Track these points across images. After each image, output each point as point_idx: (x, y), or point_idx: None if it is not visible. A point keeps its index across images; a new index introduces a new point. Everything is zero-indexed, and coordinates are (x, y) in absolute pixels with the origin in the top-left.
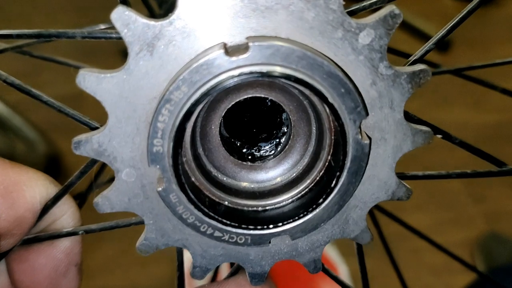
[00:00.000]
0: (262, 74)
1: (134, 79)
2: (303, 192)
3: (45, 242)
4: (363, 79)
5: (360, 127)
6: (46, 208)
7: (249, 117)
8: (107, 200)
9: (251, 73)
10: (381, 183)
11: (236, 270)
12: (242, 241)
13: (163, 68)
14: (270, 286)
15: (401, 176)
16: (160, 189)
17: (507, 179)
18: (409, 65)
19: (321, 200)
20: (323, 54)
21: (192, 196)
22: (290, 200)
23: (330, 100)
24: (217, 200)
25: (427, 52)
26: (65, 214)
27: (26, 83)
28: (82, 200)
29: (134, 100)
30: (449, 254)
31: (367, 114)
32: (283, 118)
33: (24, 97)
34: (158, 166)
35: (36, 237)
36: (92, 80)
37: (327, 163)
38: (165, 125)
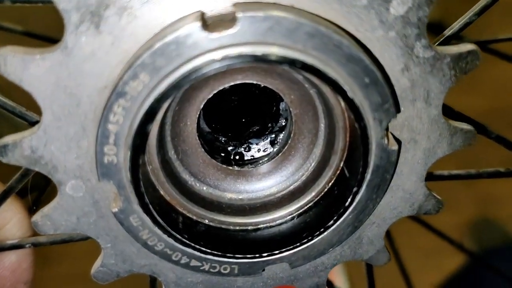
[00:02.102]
0: (256, 59)
1: (75, 62)
2: (306, 207)
3: None
4: (392, 64)
5: (387, 129)
6: None
7: (236, 104)
8: (48, 220)
9: (239, 56)
10: (405, 195)
11: None
12: (227, 271)
13: (115, 48)
14: None
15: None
16: (115, 210)
17: (500, 165)
18: (440, 44)
19: (331, 222)
20: (341, 29)
21: (160, 219)
22: (289, 217)
23: (350, 94)
24: (194, 218)
25: (466, 25)
26: (9, 223)
27: None
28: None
29: (77, 91)
30: (442, 236)
31: (397, 111)
32: (280, 108)
33: None
34: (111, 182)
35: None
36: (16, 64)
37: (338, 172)
38: (118, 128)
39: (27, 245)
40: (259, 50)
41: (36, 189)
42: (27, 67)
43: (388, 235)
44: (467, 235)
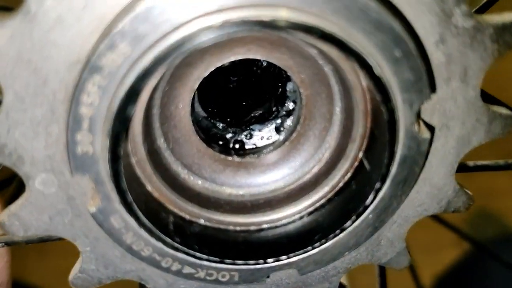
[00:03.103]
0: (263, 25)
1: (40, 29)
2: (318, 204)
3: None
4: (426, 34)
5: (419, 113)
6: None
7: (236, 84)
8: (16, 219)
9: (243, 22)
10: (433, 190)
11: None
12: (226, 278)
13: (87, 12)
14: None
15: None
16: (93, 209)
17: (497, 157)
18: (478, 11)
19: (348, 222)
20: None
21: (146, 220)
22: (298, 216)
23: (377, 70)
24: (187, 218)
25: None
26: None
27: None
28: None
29: (43, 66)
30: (446, 224)
31: (432, 92)
32: (287, 89)
33: None
34: (87, 176)
35: None
36: None
37: (357, 163)
38: (94, 111)
39: (0, 245)
40: (266, 14)
41: (12, 182)
42: None
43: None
44: (466, 227)
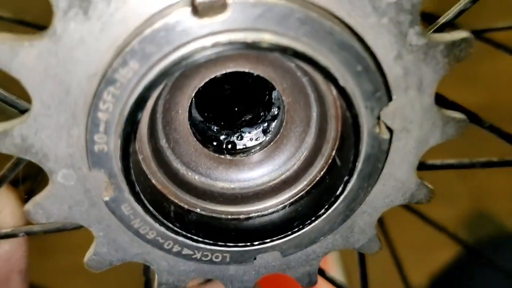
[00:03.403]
0: (247, 46)
1: (64, 49)
2: (298, 196)
3: None
4: (385, 51)
5: (378, 118)
6: None
7: (228, 92)
8: (40, 208)
9: (230, 43)
10: (397, 184)
11: None
12: (219, 259)
13: (104, 34)
14: None
15: (418, 166)
16: (107, 198)
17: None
18: (436, 31)
19: (322, 211)
20: (333, 15)
21: (151, 208)
22: (281, 206)
23: (342, 82)
24: (186, 207)
25: (461, 12)
26: (2, 212)
27: None
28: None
29: (66, 78)
30: (437, 227)
31: (389, 100)
32: (273, 97)
33: None
34: (102, 170)
35: None
36: (4, 51)
37: (330, 160)
38: (108, 116)
39: (21, 234)
40: (250, 37)
41: (29, 179)
42: (16, 55)
43: (382, 228)
44: (461, 228)
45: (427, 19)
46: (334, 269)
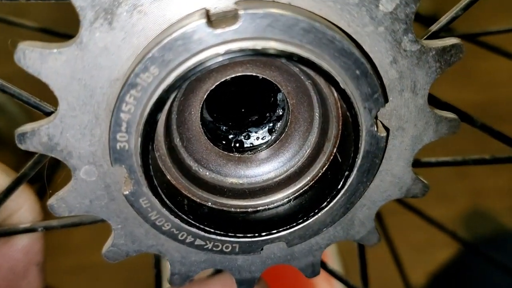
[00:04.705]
0: (256, 52)
1: (89, 56)
2: (302, 191)
3: (0, 240)
4: (382, 57)
5: (376, 117)
6: None
7: (236, 95)
8: (63, 202)
9: (241, 50)
10: (394, 179)
11: None
12: (229, 249)
13: (126, 43)
14: (262, 287)
15: (413, 164)
16: (127, 192)
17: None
18: (428, 38)
19: (324, 203)
20: (334, 25)
21: (167, 201)
22: (286, 200)
23: (342, 85)
24: (198, 201)
25: (453, 19)
26: (22, 208)
27: None
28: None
29: (91, 83)
30: (436, 225)
31: (386, 101)
32: (278, 98)
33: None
34: (123, 166)
35: None
36: (34, 57)
37: (332, 157)
38: (130, 116)
39: (40, 229)
40: (259, 44)
41: (42, 178)
42: (45, 61)
43: (382, 227)
44: (460, 226)
45: (427, 22)
46: (333, 266)
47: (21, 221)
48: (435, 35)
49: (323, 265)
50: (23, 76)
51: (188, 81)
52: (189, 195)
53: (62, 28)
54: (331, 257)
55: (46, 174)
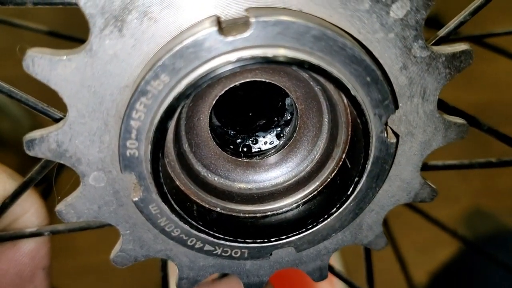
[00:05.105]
0: (267, 60)
1: (99, 63)
2: (310, 196)
3: (6, 244)
4: (391, 63)
5: (386, 124)
6: (4, 206)
7: (244, 99)
8: (72, 208)
9: (252, 58)
10: (403, 184)
11: None
12: (238, 254)
13: (136, 50)
14: None
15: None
16: (136, 199)
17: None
18: (436, 42)
19: (334, 209)
20: (345, 32)
21: (177, 207)
22: (295, 205)
23: (353, 92)
24: (207, 206)
25: (461, 24)
26: (28, 212)
27: None
28: (48, 193)
29: (100, 90)
30: (439, 225)
31: (396, 107)
32: (286, 103)
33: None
34: (133, 173)
35: None
36: (43, 64)
37: (341, 163)
38: (140, 124)
39: (46, 233)
40: (270, 52)
41: (47, 180)
42: (54, 68)
43: (386, 227)
44: (462, 225)
45: (430, 23)
46: (334, 264)
47: (27, 225)
48: (443, 40)
49: (330, 269)
50: (29, 78)
51: (199, 89)
52: (198, 200)
53: (70, 31)
54: (332, 256)
55: (52, 178)
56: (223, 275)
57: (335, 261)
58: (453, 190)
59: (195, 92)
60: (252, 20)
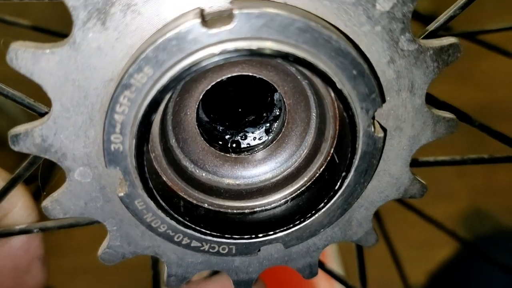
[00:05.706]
0: (251, 53)
1: (83, 56)
2: (299, 191)
3: None
4: (379, 56)
5: (373, 118)
6: None
7: (232, 94)
8: (58, 204)
9: (236, 50)
10: (392, 180)
11: None
12: (226, 251)
13: (120, 43)
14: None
15: (411, 163)
16: (122, 194)
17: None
18: (426, 37)
19: (321, 204)
20: (330, 24)
21: (163, 203)
22: (283, 201)
23: (339, 85)
24: (194, 202)
25: (450, 18)
26: (16, 207)
27: None
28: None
29: (84, 84)
30: (436, 224)
31: (383, 101)
32: (275, 98)
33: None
34: (118, 168)
35: None
36: (27, 58)
37: (329, 158)
38: (124, 117)
39: (35, 230)
40: (254, 44)
41: (38, 179)
42: (38, 61)
43: (381, 226)
44: (460, 225)
45: (426, 20)
46: (333, 266)
47: (16, 220)
48: (433, 34)
49: (321, 265)
50: (20, 75)
51: (183, 81)
52: (185, 196)
53: (57, 27)
54: (331, 257)
55: (43, 175)
56: (214, 273)
57: (333, 261)
58: (450, 188)
59: (179, 85)
60: (236, 12)
